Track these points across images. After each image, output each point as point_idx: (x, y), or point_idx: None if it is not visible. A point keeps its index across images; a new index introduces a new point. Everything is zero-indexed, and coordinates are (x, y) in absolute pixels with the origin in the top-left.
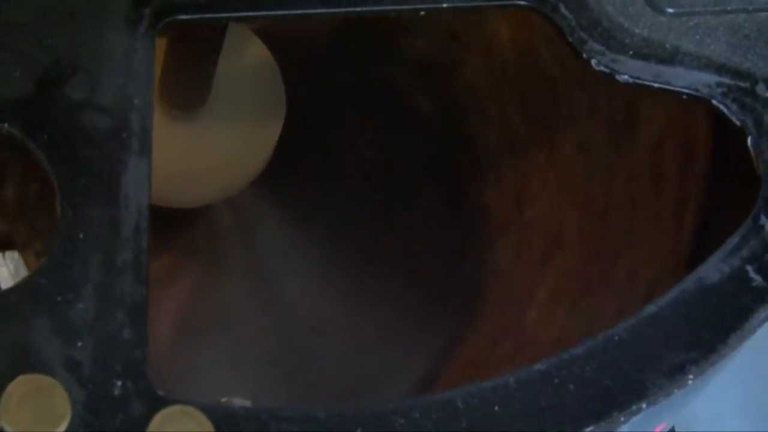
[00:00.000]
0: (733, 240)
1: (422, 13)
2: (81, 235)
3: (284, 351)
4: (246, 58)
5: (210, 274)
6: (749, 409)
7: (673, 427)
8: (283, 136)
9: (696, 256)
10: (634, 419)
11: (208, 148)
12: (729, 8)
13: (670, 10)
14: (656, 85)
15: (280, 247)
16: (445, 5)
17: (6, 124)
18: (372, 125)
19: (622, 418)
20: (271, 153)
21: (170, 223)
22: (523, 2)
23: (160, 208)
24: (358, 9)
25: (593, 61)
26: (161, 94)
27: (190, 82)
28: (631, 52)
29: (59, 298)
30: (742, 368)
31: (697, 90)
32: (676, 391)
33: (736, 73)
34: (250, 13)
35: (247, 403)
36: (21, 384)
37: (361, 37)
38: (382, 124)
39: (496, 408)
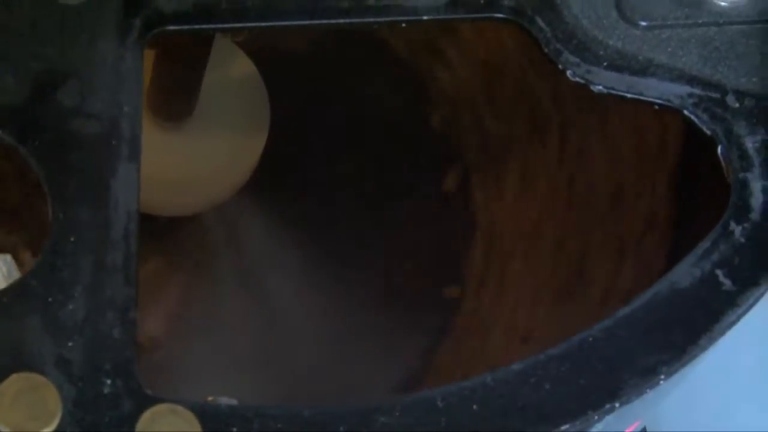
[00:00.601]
0: (704, 245)
1: (403, 25)
2: (72, 238)
3: (271, 352)
4: (231, 70)
5: (199, 280)
6: (720, 410)
7: (644, 427)
8: (268, 145)
9: (669, 260)
10: (608, 418)
11: (195, 157)
12: (700, 21)
13: (643, 23)
14: (629, 95)
15: (267, 252)
16: (425, 17)
17: None
18: (356, 134)
19: (596, 417)
20: (256, 162)
21: (159, 231)
22: (500, 15)
23: (148, 215)
24: (342, 21)
25: (568, 72)
26: (149, 105)
27: (177, 94)
28: (605, 64)
29: (50, 299)
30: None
31: (669, 101)
32: (648, 390)
33: (707, 85)
34: (237, 25)
35: (234, 402)
36: (14, 382)
37: (344, 49)
38: (366, 133)
39: (475, 407)
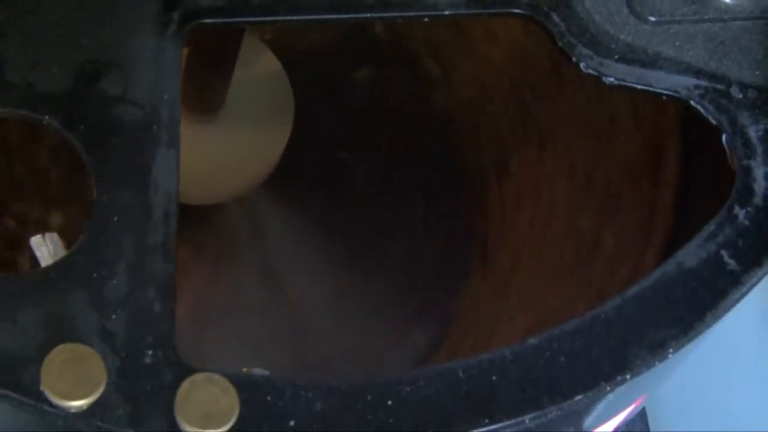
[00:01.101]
0: (710, 227)
1: (426, 20)
2: (115, 218)
3: (288, 336)
4: (258, 68)
5: (222, 266)
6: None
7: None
8: (291, 141)
9: (674, 244)
10: (619, 389)
11: (222, 150)
12: (706, 17)
13: (652, 19)
14: (639, 87)
15: (286, 241)
16: (446, 12)
17: (46, 117)
18: (375, 133)
19: (609, 388)
20: (279, 156)
21: (187, 219)
22: (518, 10)
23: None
24: (367, 15)
25: (582, 65)
26: (181, 99)
27: (207, 89)
28: (616, 57)
29: (95, 275)
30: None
31: (676, 92)
32: (657, 363)
33: (713, 77)
34: (268, 18)
35: (266, 373)
36: (60, 352)
37: (366, 50)
38: (384, 132)
39: (494, 378)
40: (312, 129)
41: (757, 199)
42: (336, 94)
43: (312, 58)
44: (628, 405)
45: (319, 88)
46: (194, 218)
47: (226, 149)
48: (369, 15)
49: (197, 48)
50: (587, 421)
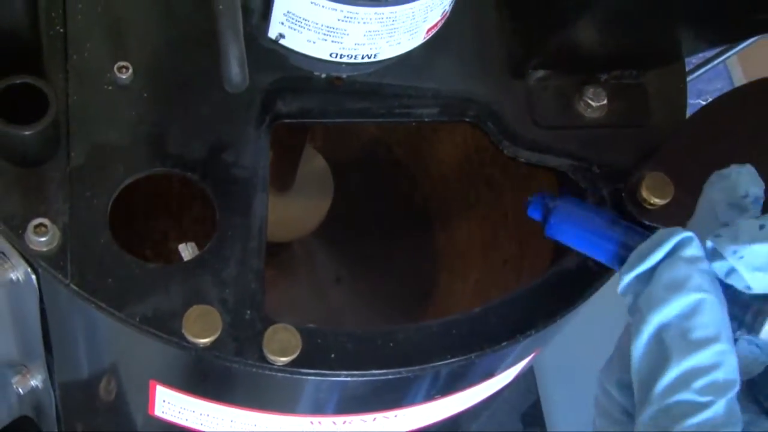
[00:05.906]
0: None
1: (413, 123)
2: (229, 233)
3: (327, 314)
4: (312, 165)
5: (290, 280)
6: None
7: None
8: (331, 208)
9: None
10: (526, 341)
11: (290, 210)
12: (578, 125)
13: (546, 125)
14: (539, 164)
15: (326, 264)
16: (426, 119)
17: (189, 173)
18: (379, 202)
19: (521, 339)
20: (323, 216)
21: (269, 250)
22: (468, 119)
23: None
24: (379, 120)
25: (505, 151)
26: (270, 181)
27: (284, 176)
28: (525, 147)
29: (217, 266)
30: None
31: (560, 167)
32: (551, 324)
33: (581, 159)
34: (322, 120)
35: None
36: (194, 311)
37: (373, 157)
38: (384, 203)
39: (453, 331)
40: (343, 201)
41: None
42: (356, 181)
43: (344, 160)
44: (529, 354)
45: (347, 178)
46: (273, 250)
47: (293, 210)
48: (379, 120)
49: (279, 147)
50: (502, 366)
